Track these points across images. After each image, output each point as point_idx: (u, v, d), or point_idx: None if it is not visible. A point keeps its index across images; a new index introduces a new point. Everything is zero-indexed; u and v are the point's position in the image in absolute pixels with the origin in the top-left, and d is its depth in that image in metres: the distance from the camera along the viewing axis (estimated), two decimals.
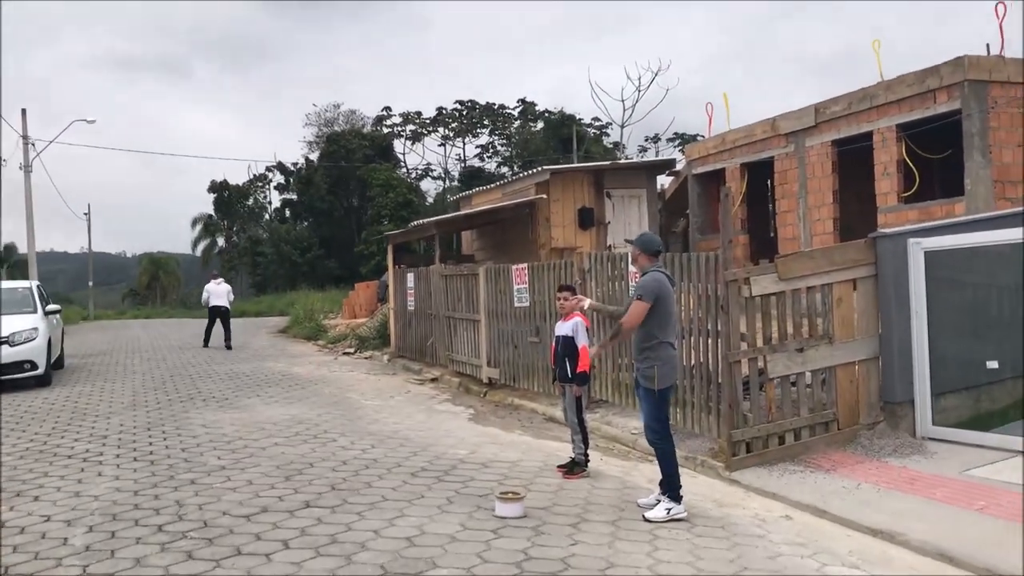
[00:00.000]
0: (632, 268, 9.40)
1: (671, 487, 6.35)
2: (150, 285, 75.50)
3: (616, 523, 6.06)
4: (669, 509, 6.22)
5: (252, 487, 7.01)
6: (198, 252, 64.78)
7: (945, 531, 5.71)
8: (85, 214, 66.72)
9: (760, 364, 7.90)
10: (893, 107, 13.72)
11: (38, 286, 16.37)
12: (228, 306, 20.92)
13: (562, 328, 7.75)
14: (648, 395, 6.31)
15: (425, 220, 15.54)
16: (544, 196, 16.07)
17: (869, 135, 14.23)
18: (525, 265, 11.73)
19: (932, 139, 13.89)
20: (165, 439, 9.07)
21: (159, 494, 6.82)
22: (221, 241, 62.06)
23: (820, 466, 7.44)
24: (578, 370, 7.58)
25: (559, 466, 7.66)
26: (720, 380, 7.98)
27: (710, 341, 8.24)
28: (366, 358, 18.46)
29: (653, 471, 7.84)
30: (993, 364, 7.87)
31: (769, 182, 18.90)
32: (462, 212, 19.24)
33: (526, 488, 6.99)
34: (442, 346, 14.68)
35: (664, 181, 21.65)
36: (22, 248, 75.12)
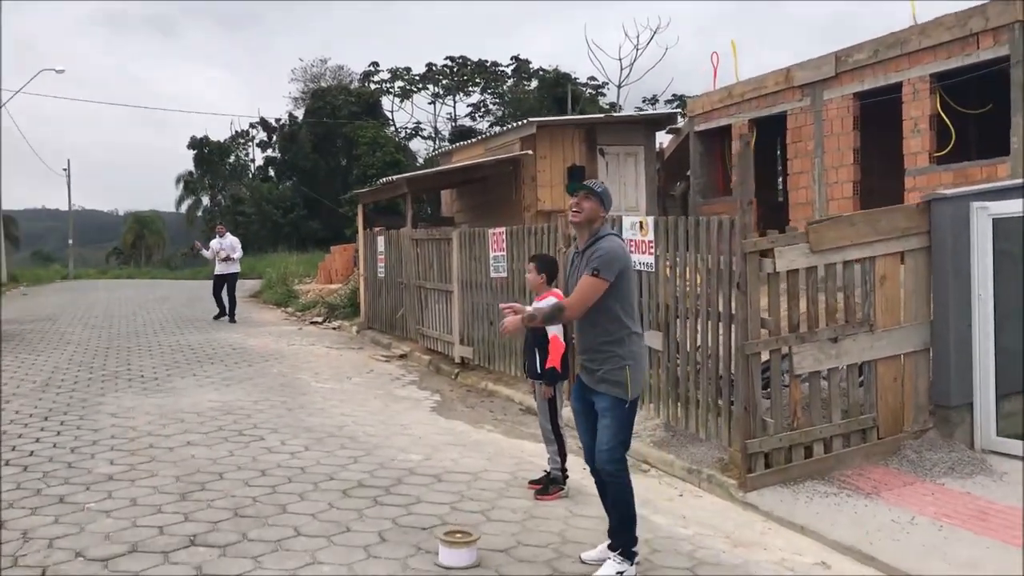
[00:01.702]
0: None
1: (626, 539, 4.59)
2: (135, 244, 73.76)
3: None
4: (621, 573, 4.49)
5: (133, 510, 5.44)
6: (183, 210, 62.92)
7: None
8: (64, 170, 64.83)
9: (783, 354, 6.36)
10: (927, 54, 12.05)
11: None
12: (237, 270, 17.55)
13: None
14: (615, 407, 4.47)
15: (396, 177, 13.90)
16: (530, 152, 14.37)
17: (898, 86, 12.57)
18: (503, 229, 10.12)
19: (971, 91, 12.24)
20: (59, 434, 7.49)
21: (6, 520, 5.24)
22: (207, 200, 60.13)
23: (858, 487, 5.90)
24: (547, 365, 6.01)
25: (531, 482, 6.12)
26: (734, 375, 6.42)
27: (721, 326, 6.68)
28: (334, 328, 16.88)
29: (648, 486, 6.31)
30: None
31: (780, 140, 17.25)
32: (436, 169, 17.58)
33: (485, 516, 5.45)
34: (413, 319, 13.09)
35: (663, 140, 19.98)
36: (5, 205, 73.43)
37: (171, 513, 5.37)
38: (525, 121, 15.98)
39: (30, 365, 11.35)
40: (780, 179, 17.99)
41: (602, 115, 18.52)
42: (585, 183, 4.65)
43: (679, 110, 16.54)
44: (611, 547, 4.56)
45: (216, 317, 17.40)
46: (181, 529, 5.08)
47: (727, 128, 16.43)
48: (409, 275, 13.13)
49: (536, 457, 6.68)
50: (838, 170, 13.77)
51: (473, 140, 19.33)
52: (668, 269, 7.29)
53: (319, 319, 17.96)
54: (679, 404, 7.24)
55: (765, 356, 6.30)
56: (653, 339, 7.49)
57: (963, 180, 11.09)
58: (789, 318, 6.28)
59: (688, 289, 7.07)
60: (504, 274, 10.04)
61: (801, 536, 5.28)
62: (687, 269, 7.08)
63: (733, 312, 6.43)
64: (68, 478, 6.14)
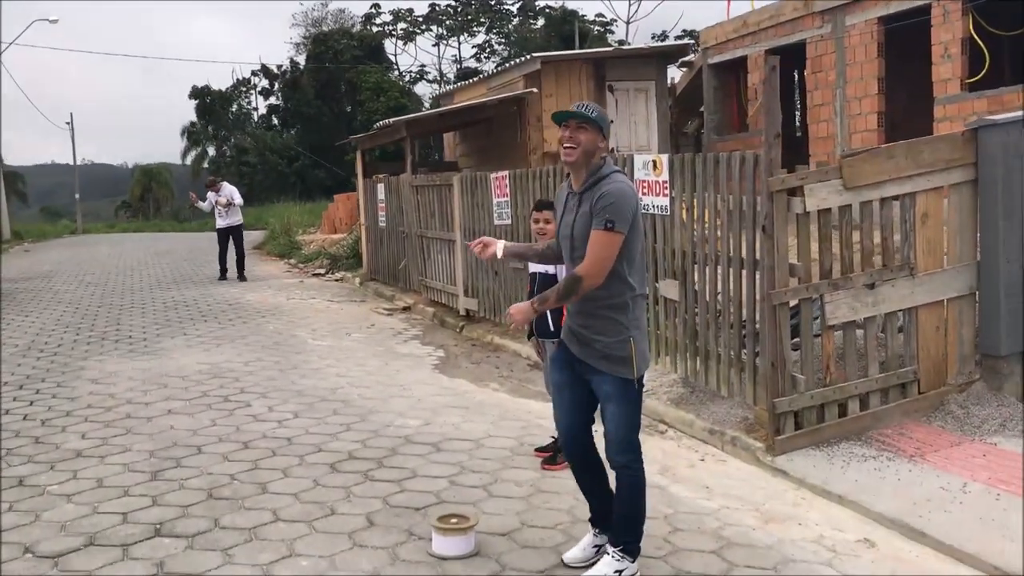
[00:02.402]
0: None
1: (633, 536, 3.83)
2: (143, 197, 73.27)
3: None
4: (621, 571, 3.76)
5: (98, 493, 4.93)
6: (188, 162, 62.18)
7: None
8: (67, 123, 64.10)
9: (815, 302, 5.75)
10: None
11: None
12: (240, 221, 15.97)
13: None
14: (623, 390, 3.69)
15: (393, 120, 13.20)
16: (534, 90, 13.59)
17: (926, 8, 11.73)
18: (505, 173, 9.46)
19: (1004, 11, 11.39)
20: (31, 404, 6.99)
21: None
22: (212, 151, 59.34)
23: (900, 449, 5.33)
24: (563, 322, 5.39)
25: (537, 449, 5.58)
26: (759, 327, 5.82)
27: (744, 273, 6.06)
28: (337, 280, 16.33)
29: (667, 449, 5.77)
30: None
31: (797, 73, 16.40)
32: (435, 110, 16.81)
33: (487, 492, 4.91)
34: (416, 270, 12.51)
35: (675, 76, 19.13)
36: (7, 160, 72.88)
37: (138, 496, 4.86)
38: (528, 57, 15.14)
39: (16, 327, 10.85)
40: (798, 113, 17.19)
41: (611, 48, 17.61)
42: (577, 108, 3.71)
43: (691, 41, 15.61)
44: (612, 542, 3.82)
45: (221, 278, 15.70)
46: (147, 516, 4.56)
47: (742, 60, 15.60)
48: (410, 224, 12.50)
49: (544, 419, 6.12)
50: (861, 101, 12.98)
51: (475, 79, 18.50)
52: (685, 212, 6.65)
53: (321, 271, 17.41)
54: (698, 358, 6.66)
55: (793, 302, 5.70)
56: (669, 288, 6.89)
57: (998, 107, 10.31)
58: (821, 263, 5.65)
59: (707, 233, 6.43)
60: (508, 221, 9.41)
61: (840, 508, 4.72)
62: (706, 211, 6.44)
63: (758, 258, 5.82)
64: (33, 456, 5.63)
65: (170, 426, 6.29)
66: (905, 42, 12.62)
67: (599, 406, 3.81)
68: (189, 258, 21.43)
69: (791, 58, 15.17)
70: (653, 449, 5.70)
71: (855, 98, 13.06)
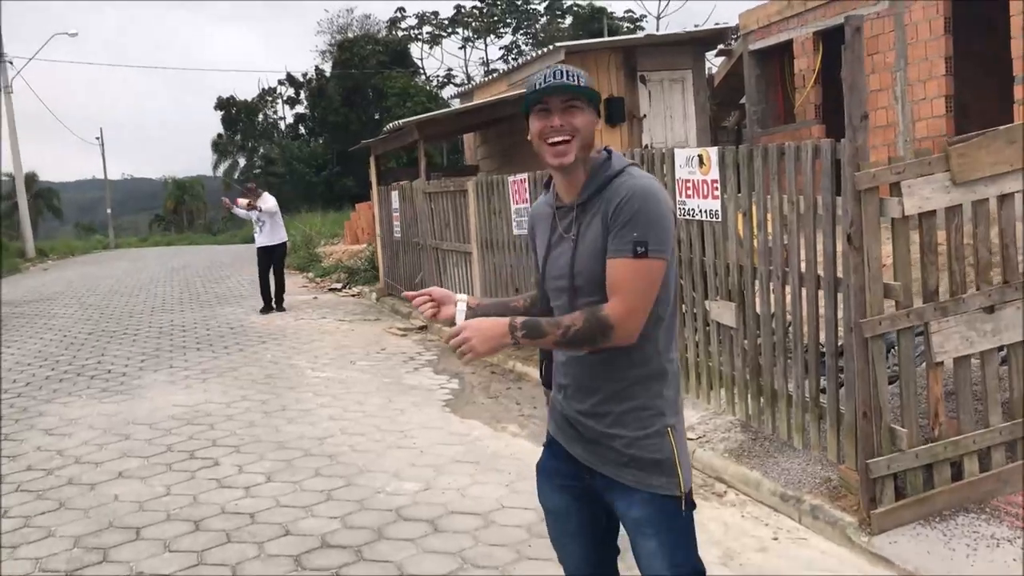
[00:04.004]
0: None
1: None
2: (176, 210, 73.37)
3: None
4: None
5: None
6: (219, 174, 61.84)
7: None
8: (97, 138, 64.23)
9: (917, 332, 4.47)
10: None
11: None
12: (284, 239, 13.27)
13: None
14: (665, 513, 2.36)
15: (403, 121, 12.05)
16: None
17: None
18: (524, 176, 8.24)
19: None
20: None
21: None
22: (243, 161, 58.87)
23: None
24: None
25: None
26: (845, 364, 4.55)
27: (822, 294, 4.79)
28: (353, 295, 15.22)
29: (729, 522, 4.50)
30: None
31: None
32: (449, 109, 15.63)
33: None
34: (433, 285, 11.31)
35: (713, 66, 17.78)
36: (44, 176, 73.16)
37: None
38: (552, 47, 13.87)
39: None
40: None
41: (642, 35, 16.30)
42: (559, 78, 2.31)
43: (730, 25, 14.28)
44: None
45: (264, 310, 12.83)
46: None
47: (787, 45, 14.20)
48: (425, 234, 11.33)
49: None
50: (926, 84, 11.56)
51: (495, 75, 17.28)
52: (741, 217, 5.38)
53: (338, 286, 16.32)
54: (761, 398, 5.38)
55: (889, 332, 4.41)
56: (722, 311, 5.63)
57: None
58: (924, 282, 4.36)
59: (771, 244, 5.16)
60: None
61: None
62: (768, 216, 5.16)
63: (840, 275, 4.56)
64: None
65: (114, 496, 5.15)
66: (977, 16, 11.21)
67: (629, 537, 2.45)
68: (204, 274, 20.49)
69: (841, 41, 13.78)
70: (711, 522, 4.46)
71: (918, 81, 11.65)
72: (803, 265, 4.90)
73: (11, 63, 33.16)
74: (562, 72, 2.32)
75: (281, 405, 7.24)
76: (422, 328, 11.02)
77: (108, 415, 7.07)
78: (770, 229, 5.17)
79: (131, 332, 11.51)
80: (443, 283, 10.75)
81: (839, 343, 4.74)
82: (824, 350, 4.89)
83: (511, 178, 8.47)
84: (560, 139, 2.31)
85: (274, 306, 12.86)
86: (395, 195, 12.81)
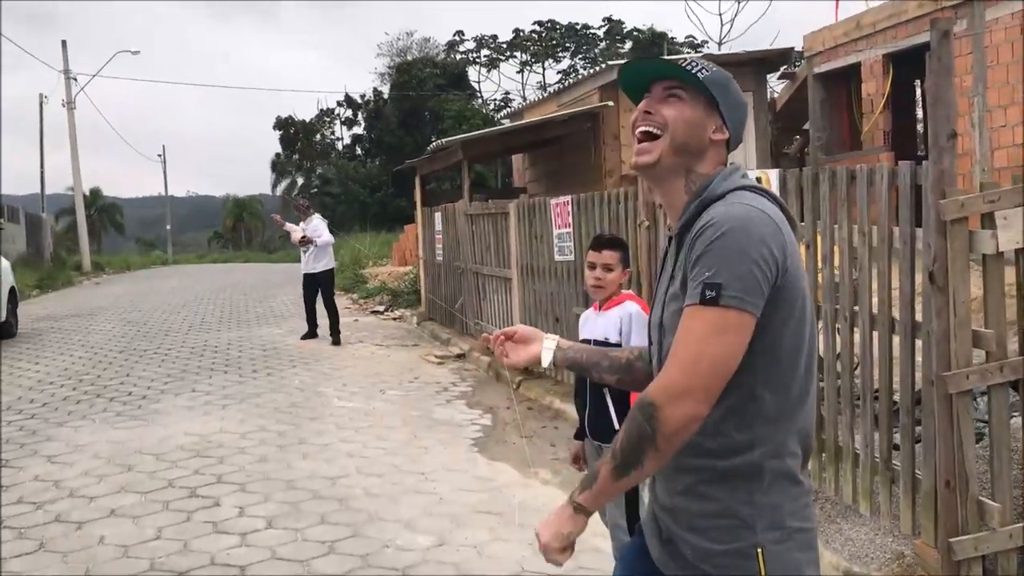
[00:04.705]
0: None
1: None
2: (235, 227, 74.46)
3: None
4: None
5: None
6: (278, 192, 62.56)
7: None
8: (159, 156, 65.58)
9: (1014, 387, 3.82)
10: None
11: None
12: (331, 266, 11.91)
13: (597, 326, 3.73)
14: None
15: (447, 140, 11.60)
16: (610, 104, 11.79)
17: None
18: (567, 199, 7.71)
19: None
20: None
21: None
22: (301, 180, 59.43)
23: None
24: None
25: None
26: (924, 421, 3.91)
27: (897, 340, 4.16)
28: (395, 319, 14.79)
29: None
30: None
31: (919, 83, 14.19)
32: (495, 129, 15.19)
33: None
34: (471, 311, 10.83)
35: (774, 88, 17.10)
36: (106, 191, 75.04)
37: None
38: (604, 65, 13.37)
39: (16, 377, 9.56)
40: (923, 127, 14.93)
41: (699, 55, 15.70)
42: (662, 58, 1.94)
43: (794, 46, 13.61)
44: None
45: (308, 335, 11.82)
46: None
47: (854, 68, 13.48)
48: (466, 258, 10.85)
49: (605, 538, 4.28)
50: (1007, 110, 10.78)
51: (545, 95, 16.81)
52: (804, 250, 4.77)
53: (380, 308, 15.92)
54: (824, 455, 4.74)
55: (979, 387, 3.78)
56: None
57: None
58: (1021, 329, 3.72)
59: (838, 279, 4.54)
60: (571, 256, 7.65)
61: None
62: (835, 249, 4.55)
63: (919, 319, 3.93)
64: None
65: (100, 538, 4.69)
66: None
67: None
68: (250, 292, 20.32)
69: (914, 64, 13.03)
70: None
71: (998, 106, 10.88)
72: (875, 305, 4.27)
73: (75, 79, 33.73)
74: (685, 60, 1.85)
75: (299, 438, 6.76)
76: (460, 356, 10.52)
77: (116, 442, 6.66)
78: (837, 263, 4.55)
79: (163, 351, 11.20)
80: (481, 310, 10.25)
81: (916, 396, 4.11)
82: (898, 403, 4.25)
83: (553, 201, 7.94)
84: (644, 129, 1.82)
85: (332, 339, 11.46)
86: (438, 217, 12.38)
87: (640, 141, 1.83)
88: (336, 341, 11.47)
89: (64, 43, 33.61)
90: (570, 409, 7.34)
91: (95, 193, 70.72)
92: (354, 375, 9.44)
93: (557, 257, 7.94)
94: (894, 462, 4.20)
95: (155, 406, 7.94)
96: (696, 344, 1.63)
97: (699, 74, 1.81)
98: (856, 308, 4.40)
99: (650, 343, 1.94)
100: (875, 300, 4.27)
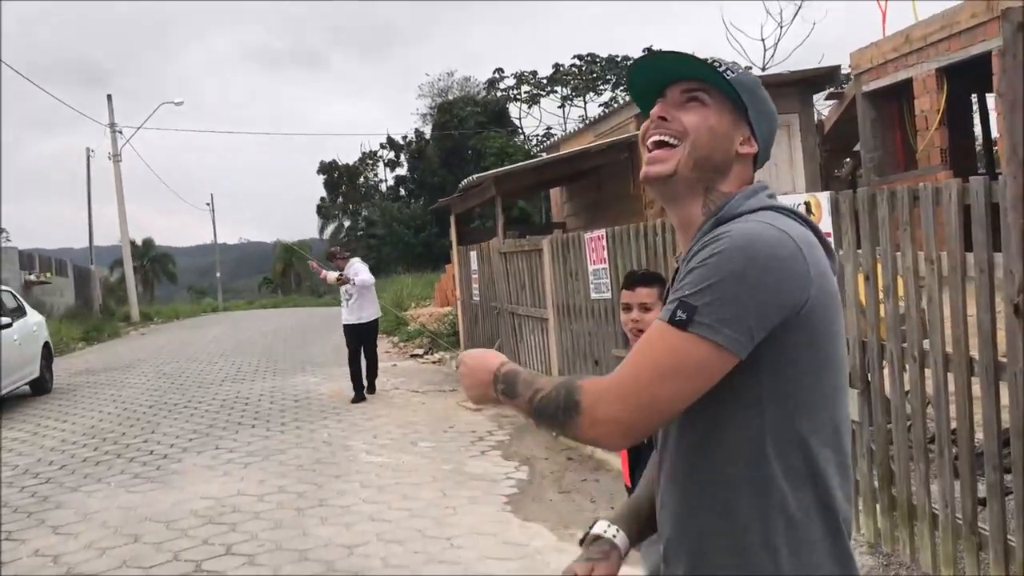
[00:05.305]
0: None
1: None
2: (284, 272, 75.26)
3: None
4: None
5: None
6: (325, 237, 63.08)
7: None
8: (207, 204, 66.64)
9: None
10: None
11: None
12: (376, 315, 10.94)
13: None
14: None
15: (478, 176, 11.21)
16: None
17: None
18: (601, 233, 7.23)
19: None
20: None
21: None
22: (348, 223, 59.86)
23: None
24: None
25: None
26: (1014, 479, 3.32)
27: (976, 381, 3.58)
28: (435, 362, 14.35)
29: None
30: None
31: (976, 97, 13.52)
32: (529, 162, 14.79)
33: None
34: (509, 352, 10.34)
35: (820, 111, 16.49)
36: (159, 241, 76.43)
37: None
38: None
39: (40, 437, 9.30)
40: (979, 146, 14.23)
41: None
42: (682, 52, 1.51)
43: (840, 64, 13.02)
44: None
45: (356, 399, 10.41)
46: None
47: (906, 84, 12.87)
48: (501, 298, 10.40)
49: None
50: None
51: (581, 126, 16.40)
52: (863, 280, 4.22)
53: (419, 351, 15.52)
54: (895, 514, 4.14)
55: None
56: None
57: None
58: None
59: (903, 312, 3.97)
60: (607, 294, 7.14)
61: None
62: (899, 278, 3.99)
63: (1003, 358, 3.36)
64: None
65: None
66: None
67: None
68: (290, 338, 20.13)
69: (970, 77, 12.38)
70: None
71: None
72: (949, 343, 3.70)
73: (121, 132, 34.29)
74: (707, 57, 1.56)
75: (319, 499, 6.30)
76: None
77: (127, 508, 6.27)
78: (901, 294, 4.00)
79: (192, 405, 10.88)
80: (519, 351, 9.76)
81: (1005, 447, 3.52)
82: (982, 454, 3.66)
83: (587, 235, 7.47)
84: (657, 138, 1.52)
85: (364, 386, 10.62)
86: (473, 255, 11.98)
87: (653, 146, 1.52)
88: (372, 389, 10.86)
89: (109, 97, 34.26)
90: (612, 460, 6.80)
91: (147, 243, 72.12)
92: (386, 425, 9.00)
93: (593, 295, 7.44)
94: (981, 526, 3.60)
95: (175, 466, 7.56)
96: (645, 372, 1.36)
97: (726, 74, 1.50)
98: (926, 346, 3.83)
99: None
100: (948, 335, 3.71)
